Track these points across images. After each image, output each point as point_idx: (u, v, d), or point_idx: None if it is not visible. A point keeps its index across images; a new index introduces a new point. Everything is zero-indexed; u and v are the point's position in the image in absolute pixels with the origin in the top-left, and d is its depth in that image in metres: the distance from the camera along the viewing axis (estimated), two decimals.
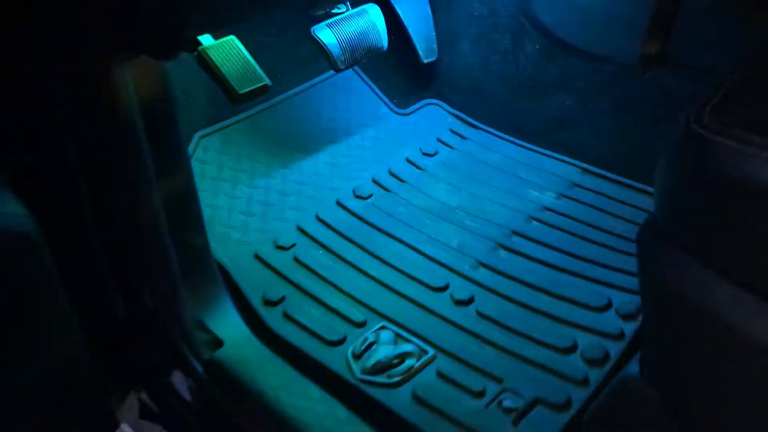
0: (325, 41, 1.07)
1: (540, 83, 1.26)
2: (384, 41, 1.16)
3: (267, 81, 0.84)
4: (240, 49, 0.83)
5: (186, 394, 0.93)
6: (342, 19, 1.11)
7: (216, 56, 0.80)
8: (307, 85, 1.28)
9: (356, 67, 1.33)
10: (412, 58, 1.33)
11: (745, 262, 0.50)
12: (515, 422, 0.79)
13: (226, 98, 0.85)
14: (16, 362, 0.67)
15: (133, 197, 0.79)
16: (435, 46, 1.33)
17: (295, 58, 1.21)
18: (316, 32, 1.08)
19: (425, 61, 1.32)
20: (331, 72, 1.28)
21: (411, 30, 1.30)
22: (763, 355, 0.50)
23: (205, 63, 0.82)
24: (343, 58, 1.11)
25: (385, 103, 1.34)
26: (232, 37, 0.87)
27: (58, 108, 0.73)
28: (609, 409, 0.72)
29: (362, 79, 1.34)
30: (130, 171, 0.79)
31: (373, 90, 1.34)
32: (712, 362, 0.56)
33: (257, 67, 0.83)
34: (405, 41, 1.31)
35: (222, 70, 0.80)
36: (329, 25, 1.09)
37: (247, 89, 0.80)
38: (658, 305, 0.59)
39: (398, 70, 1.35)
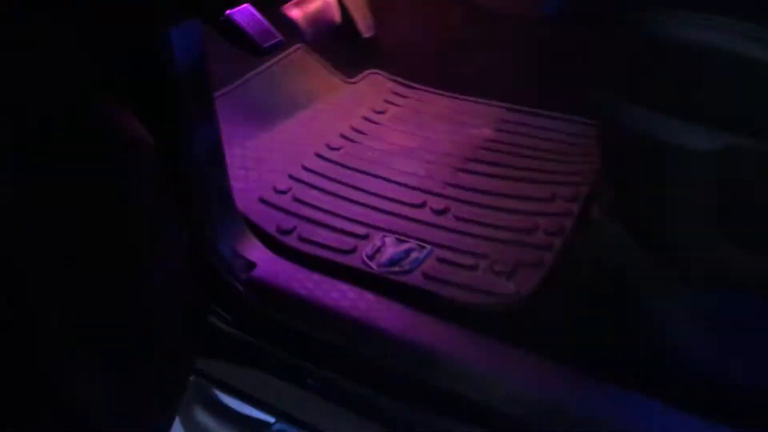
0: (295, 18, 1.28)
1: (464, 44, 1.52)
2: (338, 16, 1.38)
3: (280, 37, 1.03)
4: (254, 13, 1.02)
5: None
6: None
7: (240, 19, 0.99)
8: (269, 63, 1.48)
9: (306, 47, 1.54)
10: (353, 35, 1.56)
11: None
12: (508, 278, 1.03)
13: (250, 54, 1.03)
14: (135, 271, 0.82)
15: (186, 138, 0.96)
16: (371, 22, 1.56)
17: None
18: (286, 11, 1.28)
19: (365, 36, 1.55)
20: (286, 52, 1.49)
21: (351, 9, 1.52)
22: (692, 161, 0.76)
23: (230, 27, 1.00)
24: (310, 32, 1.32)
25: (336, 75, 1.55)
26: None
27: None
28: (582, 249, 0.97)
29: (314, 57, 1.55)
30: (179, 118, 0.96)
31: (323, 65, 1.55)
32: (656, 181, 0.81)
33: (271, 27, 1.01)
34: (347, 20, 1.53)
35: (247, 30, 0.98)
36: (295, 4, 1.30)
37: (270, 44, 0.99)
38: (616, 149, 0.84)
39: (343, 46, 1.57)
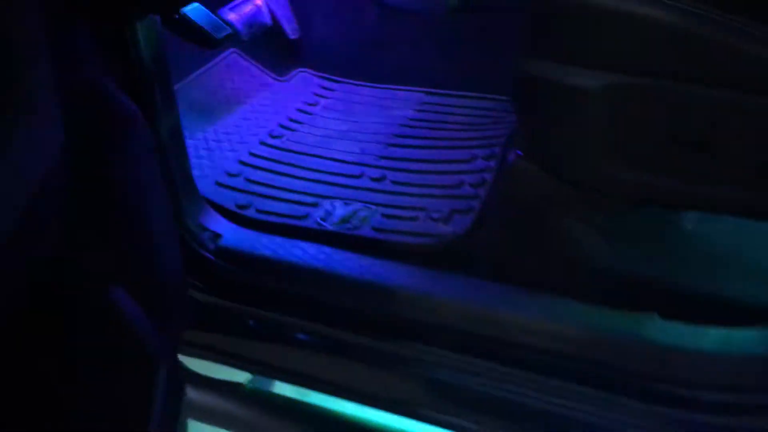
0: (232, 20, 1.42)
1: (382, 40, 1.70)
2: (269, 19, 1.53)
3: (230, 30, 1.16)
4: (205, 10, 1.15)
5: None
6: (238, 4, 1.47)
7: (194, 16, 1.12)
8: (206, 66, 1.61)
9: (239, 51, 1.68)
10: (281, 37, 1.71)
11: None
12: (444, 223, 1.21)
13: (204, 47, 1.17)
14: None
15: (155, 121, 1.09)
16: (296, 25, 1.72)
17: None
18: (222, 14, 1.42)
19: (291, 37, 1.71)
20: (222, 56, 1.63)
21: (277, 14, 1.68)
22: (584, 98, 0.95)
23: (185, 22, 1.12)
24: (245, 33, 1.46)
25: (268, 75, 1.70)
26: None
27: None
28: (504, 190, 1.15)
29: (246, 59, 1.69)
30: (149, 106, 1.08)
31: (256, 66, 1.69)
32: (558, 119, 1.00)
33: (221, 21, 1.15)
34: (274, 23, 1.68)
35: (201, 24, 1.11)
36: (231, 9, 1.44)
37: (223, 35, 1.13)
38: (528, 94, 1.03)
39: (272, 48, 1.72)
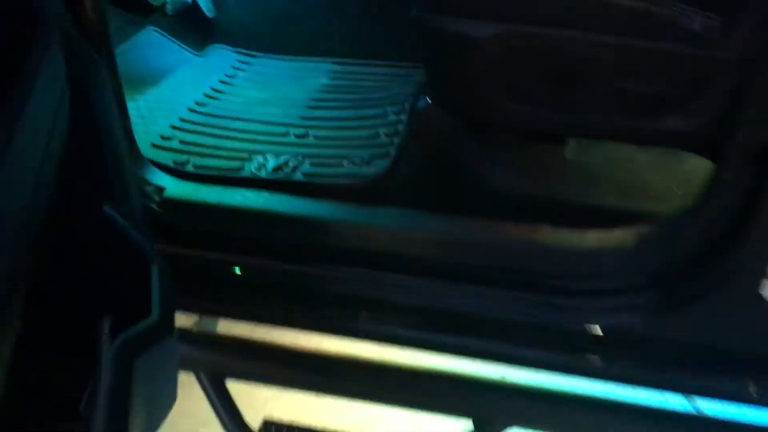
0: None
1: (292, 16, 1.85)
2: None
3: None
4: None
5: None
6: None
7: None
8: (126, 44, 1.71)
9: (157, 29, 1.79)
10: (198, 15, 1.83)
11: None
12: (366, 166, 1.38)
13: (140, 15, 1.29)
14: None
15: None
16: (212, 4, 1.84)
17: (121, 19, 1.64)
18: None
19: (209, 16, 1.84)
20: (141, 33, 1.74)
21: None
22: (481, 45, 1.15)
23: None
24: (171, 7, 1.59)
25: (187, 50, 1.82)
26: None
27: None
28: (416, 134, 1.34)
29: (166, 37, 1.80)
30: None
31: (175, 42, 1.81)
32: (461, 64, 1.20)
33: None
34: (193, 2, 1.80)
35: None
36: None
37: (159, 2, 1.26)
38: (432, 46, 1.22)
39: (189, 26, 1.83)
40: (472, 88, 1.22)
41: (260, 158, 1.43)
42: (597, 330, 1.17)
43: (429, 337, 1.26)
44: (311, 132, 1.54)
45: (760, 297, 1.06)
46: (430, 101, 1.29)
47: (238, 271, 1.32)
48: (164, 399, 0.87)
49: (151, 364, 0.78)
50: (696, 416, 1.26)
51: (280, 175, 1.38)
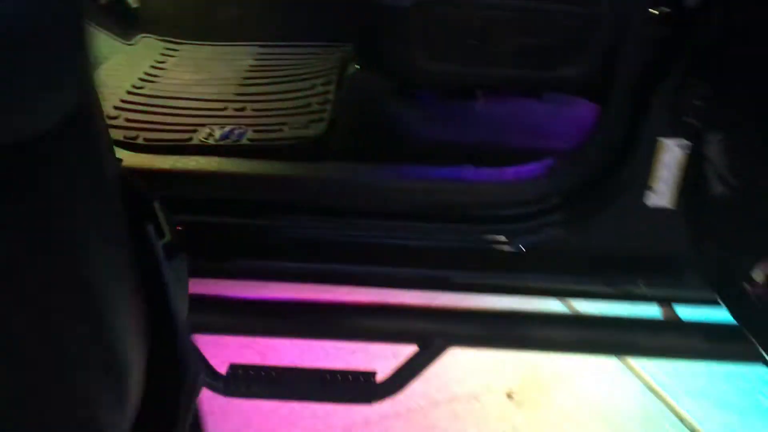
0: None
1: (213, 3, 1.98)
2: None
3: None
4: None
5: None
6: None
7: None
8: None
9: (88, 21, 1.86)
10: (124, 6, 1.92)
11: None
12: (304, 128, 1.54)
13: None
14: None
15: None
16: None
17: None
18: None
19: (134, 6, 1.93)
20: None
21: None
22: (404, 13, 1.34)
23: None
24: None
25: (116, 40, 1.91)
26: None
27: None
28: (346, 97, 1.51)
29: (94, 27, 1.88)
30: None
31: (102, 32, 1.89)
32: (388, 31, 1.38)
33: None
34: None
35: None
36: None
37: None
38: (363, 16, 1.39)
39: (115, 17, 1.92)
40: (396, 50, 1.41)
41: (206, 129, 1.56)
42: (521, 248, 1.38)
43: (374, 270, 1.44)
44: (249, 105, 1.68)
45: (645, 206, 1.31)
46: (359, 68, 1.47)
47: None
48: None
49: None
50: (603, 318, 1.50)
51: (228, 142, 1.51)
